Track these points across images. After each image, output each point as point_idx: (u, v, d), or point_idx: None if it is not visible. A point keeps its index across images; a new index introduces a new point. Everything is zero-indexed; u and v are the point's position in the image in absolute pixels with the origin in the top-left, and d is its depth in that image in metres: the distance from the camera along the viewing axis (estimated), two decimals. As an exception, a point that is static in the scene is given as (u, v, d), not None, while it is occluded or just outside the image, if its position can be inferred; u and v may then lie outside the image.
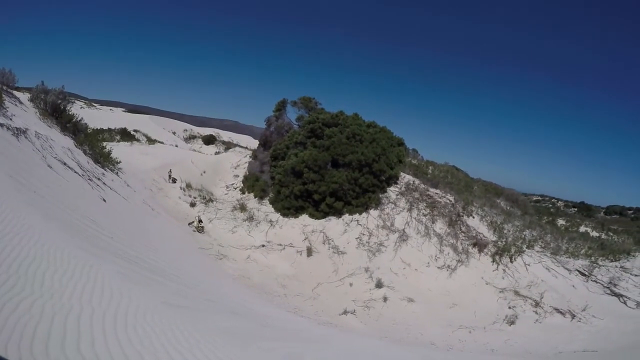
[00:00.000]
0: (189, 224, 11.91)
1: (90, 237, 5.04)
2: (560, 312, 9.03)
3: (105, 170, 10.83)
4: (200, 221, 11.91)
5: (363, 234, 11.88)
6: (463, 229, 12.00)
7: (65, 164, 8.38)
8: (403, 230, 11.81)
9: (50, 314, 2.61)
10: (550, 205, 37.91)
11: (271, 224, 12.70)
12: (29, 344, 2.25)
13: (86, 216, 5.97)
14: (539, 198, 41.36)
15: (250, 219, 12.92)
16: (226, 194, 15.51)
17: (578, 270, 10.60)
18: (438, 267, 10.71)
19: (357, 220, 12.44)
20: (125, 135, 23.46)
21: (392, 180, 13.65)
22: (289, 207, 13.19)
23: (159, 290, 4.38)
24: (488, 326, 8.56)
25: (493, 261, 10.90)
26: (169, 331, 3.11)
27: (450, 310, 9.28)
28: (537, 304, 9.31)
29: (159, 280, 4.91)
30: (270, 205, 13.77)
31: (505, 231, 12.74)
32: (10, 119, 8.53)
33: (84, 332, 2.60)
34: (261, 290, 8.97)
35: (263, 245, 11.58)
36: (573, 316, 8.86)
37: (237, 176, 16.85)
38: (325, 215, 12.83)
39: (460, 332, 8.22)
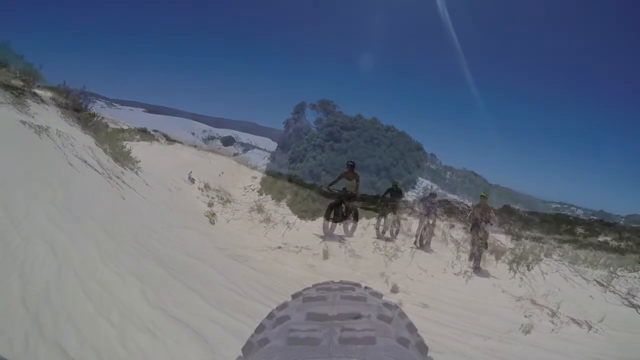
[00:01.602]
0: (205, 215, 12.78)
1: (111, 235, 5.26)
2: (577, 323, 8.94)
3: (124, 169, 11.14)
4: (213, 213, 12.98)
5: (380, 239, 11.94)
6: (480, 235, 11.95)
7: (85, 162, 8.67)
8: (420, 235, 11.83)
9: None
10: (570, 214, 37.21)
11: (288, 226, 12.86)
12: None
13: (106, 214, 6.22)
14: (558, 205, 40.67)
15: (267, 220, 13.10)
16: (244, 195, 15.74)
17: (596, 280, 10.47)
18: (454, 274, 10.70)
19: (374, 224, 12.50)
20: (145, 135, 23.90)
21: (410, 184, 13.66)
22: (306, 209, 13.33)
23: (181, 290, 4.57)
24: (503, 335, 8.51)
25: (510, 269, 10.84)
26: (193, 332, 3.28)
27: (465, 317, 9.28)
28: (553, 314, 9.22)
29: (181, 278, 5.11)
30: (288, 207, 13.95)
31: (522, 239, 12.65)
32: (32, 117, 8.87)
33: (104, 331, 2.77)
34: (277, 293, 9.11)
35: (279, 247, 11.73)
36: (590, 327, 8.76)
37: (255, 177, 17.09)
38: (342, 218, 12.93)
39: (475, 339, 8.20)
